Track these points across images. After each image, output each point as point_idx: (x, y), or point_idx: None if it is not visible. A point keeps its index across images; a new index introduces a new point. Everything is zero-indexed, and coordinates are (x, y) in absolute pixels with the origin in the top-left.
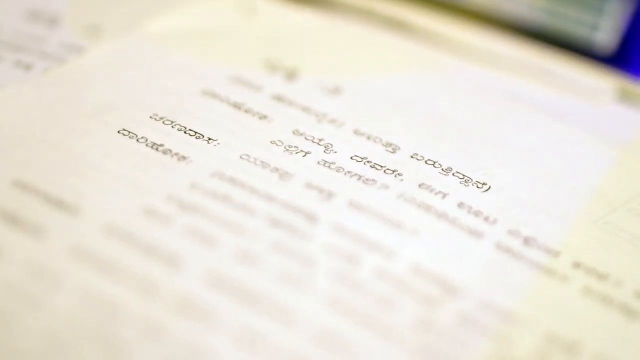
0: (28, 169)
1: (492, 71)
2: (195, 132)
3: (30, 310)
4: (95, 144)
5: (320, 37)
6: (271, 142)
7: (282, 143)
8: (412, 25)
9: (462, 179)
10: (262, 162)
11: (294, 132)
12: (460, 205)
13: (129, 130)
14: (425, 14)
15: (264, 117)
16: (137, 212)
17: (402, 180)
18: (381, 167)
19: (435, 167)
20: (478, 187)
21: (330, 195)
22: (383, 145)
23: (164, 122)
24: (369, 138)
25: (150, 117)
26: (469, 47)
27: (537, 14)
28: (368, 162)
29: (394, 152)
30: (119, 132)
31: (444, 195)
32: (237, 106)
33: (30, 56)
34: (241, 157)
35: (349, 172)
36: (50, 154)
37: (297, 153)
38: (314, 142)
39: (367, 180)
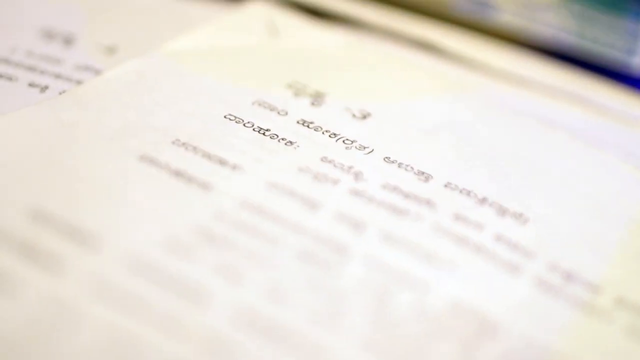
0: (44, 197)
1: (525, 94)
2: (219, 159)
3: (49, 351)
4: (115, 171)
5: (347, 58)
6: (299, 170)
7: (310, 170)
8: (441, 46)
9: (498, 209)
10: (290, 191)
11: (321, 159)
12: (497, 237)
13: (150, 155)
14: (455, 34)
15: (290, 143)
16: (159, 244)
17: (435, 210)
18: (414, 196)
19: (469, 196)
20: (514, 218)
21: (361, 227)
22: (414, 173)
23: (186, 148)
24: (399, 166)
25: (172, 142)
26: (501, 70)
27: (570, 36)
28: (400, 191)
29: (426, 180)
30: (139, 157)
31: (480, 227)
32: (262, 131)
33: (44, 77)
34: (268, 186)
35: (380, 202)
36: (68, 181)
37: (325, 181)
38: (342, 169)
39: (399, 210)
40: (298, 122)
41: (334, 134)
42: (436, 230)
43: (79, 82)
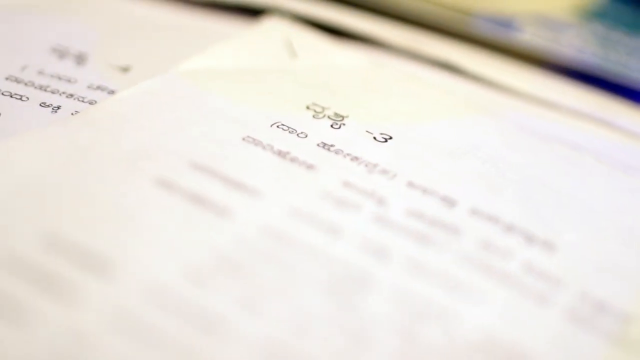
0: (58, 223)
1: (549, 117)
2: (238, 183)
3: None
4: (131, 195)
5: (366, 79)
6: (320, 195)
7: (332, 195)
8: (463, 66)
9: (526, 236)
10: (312, 217)
11: (343, 184)
12: (525, 266)
13: (166, 179)
14: (477, 54)
15: (310, 167)
16: (177, 273)
17: (461, 238)
18: (439, 223)
19: (496, 223)
20: (543, 246)
21: (385, 255)
22: (439, 198)
23: (203, 171)
24: (424, 191)
25: (189, 165)
26: (524, 91)
27: (592, 57)
28: (424, 217)
29: (451, 206)
30: (155, 181)
31: (507, 255)
32: (281, 154)
33: (56, 97)
34: (289, 211)
35: (404, 229)
36: (83, 206)
37: (348, 207)
38: (365, 194)
39: (424, 238)
40: (318, 145)
41: (356, 158)
42: (463, 259)
43: (92, 103)
